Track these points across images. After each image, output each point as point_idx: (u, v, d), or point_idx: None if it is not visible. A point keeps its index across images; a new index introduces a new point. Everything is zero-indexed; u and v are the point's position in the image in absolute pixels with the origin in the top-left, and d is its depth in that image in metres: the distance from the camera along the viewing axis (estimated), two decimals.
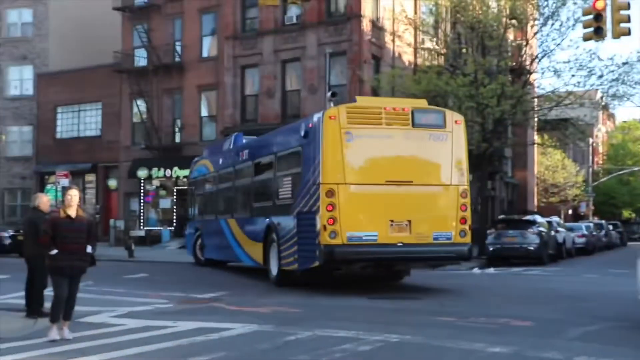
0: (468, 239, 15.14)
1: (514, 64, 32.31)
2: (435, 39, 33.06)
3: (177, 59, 38.23)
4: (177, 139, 38.12)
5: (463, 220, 15.00)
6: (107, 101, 40.88)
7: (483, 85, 29.22)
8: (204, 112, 37.82)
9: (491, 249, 27.77)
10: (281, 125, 33.14)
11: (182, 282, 18.42)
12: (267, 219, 17.05)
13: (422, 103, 15.95)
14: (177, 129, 38.44)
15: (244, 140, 21.31)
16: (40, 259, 11.89)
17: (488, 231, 28.75)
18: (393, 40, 34.30)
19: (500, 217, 33.34)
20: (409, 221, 14.56)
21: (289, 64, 34.17)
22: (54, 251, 9.63)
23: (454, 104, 30.70)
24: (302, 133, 15.22)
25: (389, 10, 33.91)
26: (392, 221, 14.46)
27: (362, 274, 17.26)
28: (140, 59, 39.32)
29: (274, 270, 16.65)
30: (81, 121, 42.52)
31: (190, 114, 37.63)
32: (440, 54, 33.20)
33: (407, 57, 35.87)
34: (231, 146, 21.46)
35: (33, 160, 43.95)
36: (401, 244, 14.49)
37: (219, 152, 22.74)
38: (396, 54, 34.88)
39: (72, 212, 9.77)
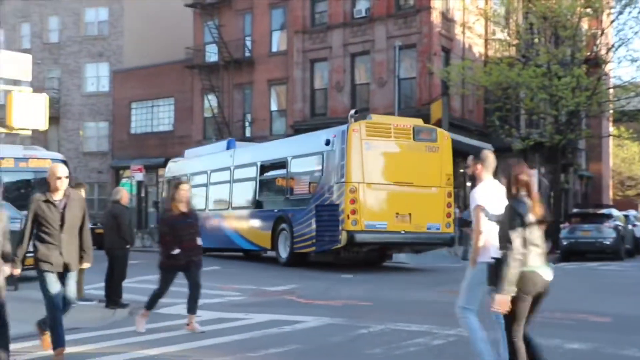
0: (452, 229, 19.46)
1: (589, 53, 31.45)
2: (506, 30, 32.46)
3: (247, 54, 38.59)
4: (248, 133, 38.48)
5: (448, 215, 19.19)
6: (179, 96, 41.61)
7: (557, 76, 28.55)
8: (274, 107, 38.09)
9: (565, 243, 27.14)
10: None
11: (254, 274, 18.62)
12: (277, 211, 20.76)
13: (419, 122, 19.95)
14: (247, 123, 38.84)
15: (236, 146, 25.05)
16: (119, 251, 12.23)
17: (562, 225, 28.10)
18: (463, 32, 33.84)
19: (575, 210, 32.54)
20: (410, 214, 18.57)
21: (358, 58, 34.08)
22: (176, 251, 9.51)
23: (525, 95, 30.12)
24: (325, 142, 19.00)
25: (459, 1, 33.44)
26: (397, 214, 18.50)
27: (356, 258, 20.96)
28: (211, 54, 39.83)
29: (283, 253, 20.48)
30: (154, 116, 43.38)
31: (260, 108, 37.95)
32: (512, 44, 32.59)
33: (478, 48, 35.34)
34: (226, 149, 24.86)
35: (109, 155, 45.09)
36: (404, 232, 18.58)
37: (210, 154, 26.03)
38: (466, 46, 34.40)
39: (184, 207, 9.66)
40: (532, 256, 5.44)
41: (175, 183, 10.02)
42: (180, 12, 42.05)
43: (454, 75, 30.15)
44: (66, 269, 7.66)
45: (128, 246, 12.45)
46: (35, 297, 13.47)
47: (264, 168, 22.37)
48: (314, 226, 19.02)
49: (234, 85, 38.67)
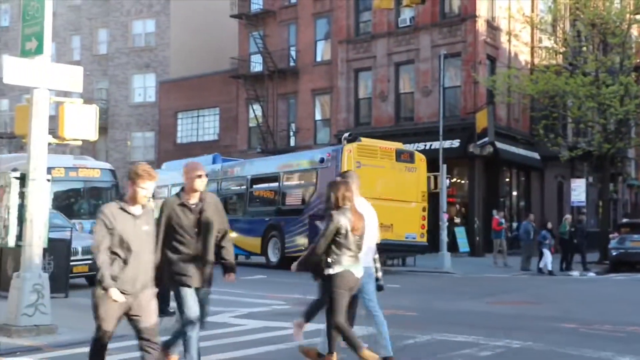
0: (425, 239, 22.35)
1: (639, 61, 30.86)
2: (553, 37, 32.04)
3: (291, 64, 38.81)
4: (292, 143, 38.65)
5: (423, 227, 22.17)
6: (224, 106, 42.02)
7: (605, 84, 28.07)
8: (318, 116, 38.19)
9: (614, 253, 26.58)
10: (395, 128, 33.13)
11: (297, 283, 18.63)
12: (268, 219, 23.24)
13: (400, 145, 22.96)
14: (291, 133, 39.02)
15: (222, 161, 27.22)
16: None
17: (611, 235, 27.55)
18: (509, 40, 33.54)
19: (624, 220, 31.91)
20: (391, 224, 20.77)
21: (402, 67, 34.00)
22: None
23: (573, 104, 29.67)
24: (319, 160, 21.91)
25: (505, 9, 33.16)
26: (381, 224, 18.53)
27: None
28: (256, 64, 40.16)
29: (273, 257, 22.94)
30: (200, 126, 43.87)
31: (305, 117, 38.10)
32: (559, 52, 32.16)
33: (524, 56, 34.97)
34: (212, 164, 26.60)
35: (155, 165, 45.69)
36: (386, 240, 20.03)
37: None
38: (512, 54, 34.07)
39: None
40: (345, 258, 6.92)
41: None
42: (226, 23, 42.52)
43: (499, 83, 29.88)
44: (203, 282, 6.68)
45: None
46: (84, 303, 13.69)
47: (254, 181, 25.04)
48: (307, 233, 21.39)
49: (278, 95, 38.90)
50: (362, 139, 22.36)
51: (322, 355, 7.56)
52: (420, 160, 22.47)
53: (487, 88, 30.66)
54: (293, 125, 38.91)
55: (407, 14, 33.46)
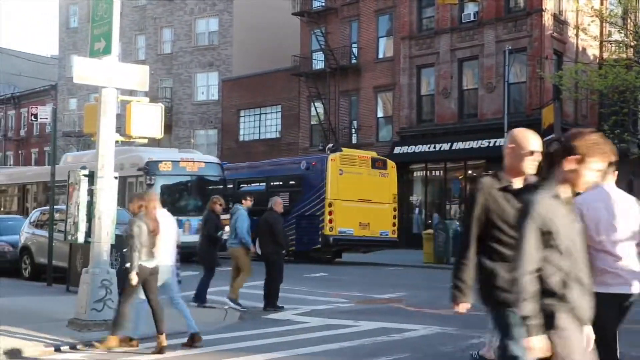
0: (396, 235, 25.86)
1: None
2: (624, 30, 31.14)
3: (353, 61, 38.75)
4: (354, 140, 38.60)
5: (394, 224, 25.60)
6: (286, 104, 42.25)
7: None
8: (380, 113, 38.05)
9: None
10: (458, 125, 32.78)
11: (360, 281, 18.63)
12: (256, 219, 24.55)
13: (374, 154, 26.47)
14: (353, 131, 38.99)
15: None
16: (275, 256, 12.73)
17: None
18: (577, 34, 32.76)
19: None
20: (368, 223, 24.66)
21: (465, 63, 33.60)
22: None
23: None
24: (304, 167, 25.04)
25: (572, 2, 32.39)
26: (360, 223, 24.55)
27: (314, 255, 25.08)
28: (318, 62, 40.23)
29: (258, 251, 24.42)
30: (262, 124, 44.20)
31: (367, 115, 38.01)
32: (629, 46, 31.24)
33: (592, 50, 34.13)
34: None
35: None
36: (364, 236, 24.78)
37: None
38: (580, 48, 33.31)
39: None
40: (143, 252, 8.60)
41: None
42: (287, 21, 42.73)
43: (566, 79, 29.24)
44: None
45: (284, 251, 13.32)
46: None
47: (240, 185, 27.30)
48: (294, 231, 24.22)
49: (340, 92, 38.92)
50: (343, 149, 25.90)
51: (132, 339, 8.98)
52: (392, 167, 25.95)
53: (553, 84, 30.05)
54: (355, 123, 38.86)
55: (470, 9, 33.03)
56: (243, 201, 13.81)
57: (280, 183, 26.43)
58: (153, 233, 8.79)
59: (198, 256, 13.83)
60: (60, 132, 54.13)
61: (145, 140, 11.35)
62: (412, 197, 34.37)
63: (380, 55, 37.73)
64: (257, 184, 27.25)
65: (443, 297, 13.62)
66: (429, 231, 25.96)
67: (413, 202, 34.66)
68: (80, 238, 10.71)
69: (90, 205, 10.46)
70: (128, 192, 23.34)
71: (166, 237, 9.12)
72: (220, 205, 13.22)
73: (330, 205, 24.01)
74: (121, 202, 24.09)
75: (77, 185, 10.72)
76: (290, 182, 25.78)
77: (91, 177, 10.60)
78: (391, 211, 25.62)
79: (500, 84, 30.50)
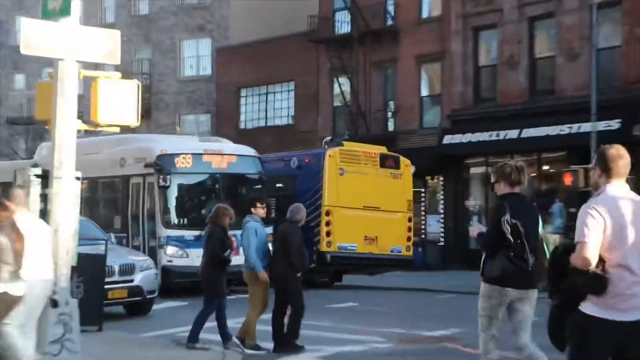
0: (411, 252, 26.42)
1: None
2: None
3: (389, 23, 38.64)
4: (390, 127, 38.50)
5: (408, 239, 25.90)
6: (300, 80, 42.12)
7: None
8: (425, 91, 37.89)
9: None
10: (529, 105, 32.57)
11: (400, 313, 18.53)
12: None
13: (384, 149, 26.78)
14: (389, 114, 38.87)
15: None
16: (289, 281, 12.64)
17: None
18: None
19: None
20: (376, 237, 24.86)
21: (538, 23, 33.40)
22: None
23: None
24: (295, 165, 25.45)
25: None
26: (365, 236, 24.76)
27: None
28: (343, 24, 40.17)
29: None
30: (269, 106, 44.15)
31: (407, 93, 37.84)
32: None
33: None
34: None
35: None
36: (371, 254, 24.94)
37: None
38: None
39: None
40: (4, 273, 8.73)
41: None
42: None
43: None
44: None
45: (298, 274, 13.04)
46: (122, 338, 13.92)
47: None
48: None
49: (371, 64, 38.79)
50: (345, 142, 26.62)
51: None
52: (406, 165, 26.21)
53: None
54: (391, 104, 38.74)
55: None
56: (252, 209, 13.61)
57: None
58: (17, 248, 8.83)
59: (201, 282, 13.79)
60: (3, 119, 54.64)
61: (117, 129, 11.34)
62: (467, 201, 34.15)
63: (425, 15, 37.61)
64: None
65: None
66: None
67: (469, 208, 34.44)
68: None
69: (45, 214, 10.44)
70: (132, 199, 23.34)
71: (39, 249, 9.10)
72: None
73: (327, 214, 24.19)
74: (123, 212, 23.98)
75: (27, 189, 10.70)
76: (278, 185, 25.53)
77: (45, 178, 10.57)
78: (405, 222, 25.93)
79: (585, 49, 30.29)
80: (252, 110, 44.84)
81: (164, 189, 21.84)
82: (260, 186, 24.06)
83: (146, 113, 44.90)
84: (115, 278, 16.67)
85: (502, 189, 8.61)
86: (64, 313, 10.07)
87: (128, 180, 22.87)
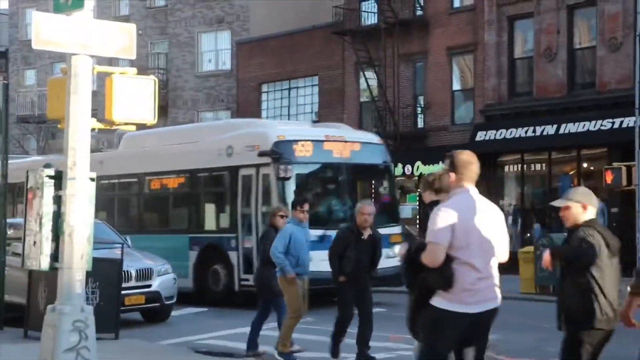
0: None
1: None
2: None
3: (418, 13, 38.62)
4: (420, 123, 38.47)
5: None
6: (325, 74, 42.15)
7: None
8: (457, 85, 37.84)
9: None
10: (568, 100, 32.46)
11: None
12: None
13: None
14: (419, 109, 38.84)
15: None
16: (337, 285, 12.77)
17: None
18: None
19: None
20: None
21: (578, 11, 33.27)
22: None
23: None
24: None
25: None
26: None
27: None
28: (369, 15, 40.17)
29: None
30: (292, 102, 44.18)
31: (438, 87, 37.79)
32: None
33: None
34: None
35: None
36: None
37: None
38: None
39: None
40: None
41: None
42: None
43: None
44: None
45: (341, 278, 12.83)
46: (140, 347, 14.02)
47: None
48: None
49: (400, 56, 38.77)
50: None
51: None
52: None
53: None
54: (421, 99, 38.71)
55: None
56: (294, 213, 13.53)
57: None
58: None
59: (255, 285, 13.87)
60: (13, 117, 54.89)
61: (133, 128, 11.42)
62: (502, 200, 34.11)
63: (457, 4, 37.56)
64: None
65: (551, 340, 13.51)
66: (528, 248, 25.73)
67: (504, 207, 34.40)
68: (44, 264, 10.73)
69: (58, 217, 10.49)
70: (242, 194, 21.59)
71: None
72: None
73: None
74: (231, 209, 22.21)
75: (39, 191, 10.74)
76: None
77: (58, 179, 10.63)
78: None
79: (629, 39, 30.16)
80: (274, 106, 44.89)
81: (282, 181, 20.18)
82: (386, 176, 22.81)
83: (162, 110, 45.08)
84: (132, 283, 16.78)
85: (428, 197, 9.05)
86: (79, 320, 10.12)
87: (237, 172, 21.30)
